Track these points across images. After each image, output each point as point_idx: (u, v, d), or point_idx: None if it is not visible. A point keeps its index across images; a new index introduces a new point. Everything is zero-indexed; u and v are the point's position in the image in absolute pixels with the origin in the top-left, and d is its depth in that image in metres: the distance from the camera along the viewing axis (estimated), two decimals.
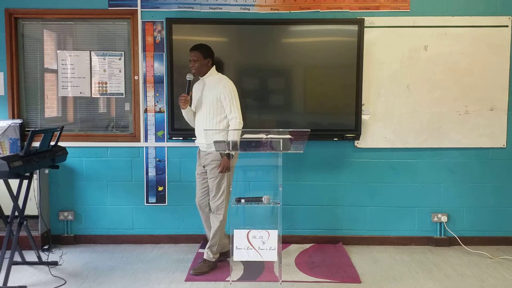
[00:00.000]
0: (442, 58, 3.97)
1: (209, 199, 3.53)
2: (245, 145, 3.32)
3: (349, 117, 3.93)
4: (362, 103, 3.94)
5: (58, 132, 3.46)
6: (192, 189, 4.02)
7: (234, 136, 3.30)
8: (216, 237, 3.48)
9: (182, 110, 3.50)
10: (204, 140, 3.37)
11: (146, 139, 4.06)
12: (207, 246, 3.53)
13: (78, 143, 4.06)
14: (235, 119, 3.38)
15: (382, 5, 3.96)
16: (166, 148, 4.07)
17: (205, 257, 3.52)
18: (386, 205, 4.11)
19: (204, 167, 3.51)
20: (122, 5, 3.97)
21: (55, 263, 3.61)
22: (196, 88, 3.53)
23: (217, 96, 3.38)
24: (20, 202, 3.37)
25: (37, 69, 4.09)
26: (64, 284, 3.27)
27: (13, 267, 3.29)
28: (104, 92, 4.09)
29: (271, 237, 3.27)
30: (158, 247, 4.06)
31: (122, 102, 4.11)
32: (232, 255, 3.28)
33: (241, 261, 3.50)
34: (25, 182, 3.35)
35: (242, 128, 3.39)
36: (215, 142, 3.33)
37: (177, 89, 3.88)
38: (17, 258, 3.46)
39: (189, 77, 3.44)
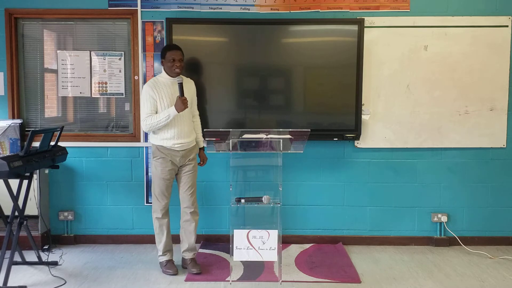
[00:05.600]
0: (442, 58, 3.97)
1: (179, 196, 3.53)
2: (245, 145, 3.33)
3: (349, 117, 3.93)
4: (362, 103, 3.94)
5: (58, 132, 3.46)
6: None
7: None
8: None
9: (175, 114, 3.27)
10: (189, 138, 3.44)
11: (146, 139, 4.06)
12: (191, 248, 3.51)
13: (78, 143, 4.06)
14: (198, 116, 3.63)
15: (382, 5, 3.96)
16: None
17: (194, 257, 3.54)
18: (386, 205, 4.12)
19: (182, 166, 3.45)
20: (122, 5, 3.97)
21: (55, 263, 3.61)
22: (167, 89, 3.35)
23: (192, 96, 3.48)
24: (20, 202, 3.37)
25: (37, 69, 4.09)
26: (64, 284, 3.27)
27: (13, 267, 3.29)
28: (104, 92, 4.09)
29: (271, 237, 3.27)
30: None
31: (122, 102, 4.11)
32: (232, 255, 3.29)
33: (241, 261, 3.50)
34: (25, 182, 3.35)
35: (242, 128, 3.46)
36: (216, 142, 3.34)
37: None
38: (17, 258, 3.46)
39: (179, 79, 3.31)
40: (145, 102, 3.34)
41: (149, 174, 4.08)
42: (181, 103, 3.26)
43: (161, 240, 3.48)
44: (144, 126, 3.36)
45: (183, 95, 3.30)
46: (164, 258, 3.50)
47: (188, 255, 3.51)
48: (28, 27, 4.06)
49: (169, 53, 3.34)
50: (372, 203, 4.12)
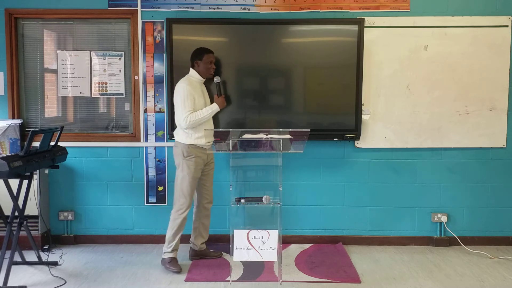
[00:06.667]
0: (442, 58, 3.97)
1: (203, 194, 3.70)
2: (245, 145, 3.33)
3: (349, 117, 3.93)
4: (362, 103, 3.94)
5: (58, 132, 3.46)
6: None
7: None
8: None
9: (217, 111, 3.54)
10: (213, 137, 3.55)
11: (146, 139, 4.06)
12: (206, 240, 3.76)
13: (78, 143, 4.06)
14: None
15: (382, 5, 3.96)
16: (166, 148, 4.07)
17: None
18: (386, 205, 4.12)
19: (206, 164, 3.62)
20: (122, 5, 3.97)
21: (55, 263, 3.61)
22: (201, 90, 3.53)
23: None
24: (20, 202, 3.37)
25: (37, 69, 4.09)
26: (64, 284, 3.27)
27: (13, 267, 3.29)
28: (104, 92, 4.09)
29: (271, 237, 3.27)
30: (158, 247, 4.05)
31: (122, 102, 4.12)
32: (232, 255, 3.29)
33: (241, 261, 3.50)
34: (25, 182, 3.35)
35: (242, 128, 3.54)
36: (216, 142, 3.37)
37: None
38: (17, 258, 3.46)
39: (217, 79, 3.62)
40: (186, 99, 3.39)
41: (149, 174, 4.08)
42: (224, 101, 3.59)
43: (176, 238, 3.52)
44: (187, 122, 3.38)
45: (222, 94, 3.60)
46: (171, 255, 3.51)
47: (205, 245, 3.75)
48: (28, 27, 4.06)
49: (207, 55, 3.50)
50: (372, 203, 4.12)
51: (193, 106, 3.41)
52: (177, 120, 3.45)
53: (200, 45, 3.80)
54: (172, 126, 3.91)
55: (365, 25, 3.86)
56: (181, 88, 3.42)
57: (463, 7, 3.95)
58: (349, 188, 4.11)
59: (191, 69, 3.55)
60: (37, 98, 4.11)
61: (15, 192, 3.33)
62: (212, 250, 3.78)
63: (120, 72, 4.06)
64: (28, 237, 3.58)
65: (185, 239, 3.94)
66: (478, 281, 3.36)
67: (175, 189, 3.54)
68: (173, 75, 3.86)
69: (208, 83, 3.67)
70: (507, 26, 3.95)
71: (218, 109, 3.53)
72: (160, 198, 4.11)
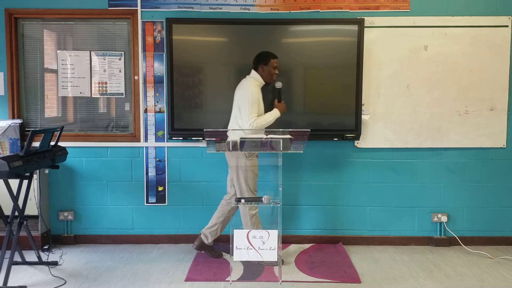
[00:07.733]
0: (442, 58, 3.97)
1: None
2: (245, 145, 3.33)
3: (349, 117, 3.93)
4: (362, 103, 3.94)
5: (58, 132, 3.47)
6: (192, 189, 4.03)
7: None
8: None
9: (276, 118, 3.53)
10: None
11: (146, 139, 4.06)
12: None
13: (78, 143, 4.06)
14: None
15: (382, 5, 3.96)
16: (166, 148, 4.07)
17: None
18: (386, 205, 4.12)
19: None
20: (122, 5, 3.97)
21: (55, 263, 3.61)
22: (260, 94, 3.54)
23: None
24: (20, 202, 3.37)
25: (37, 69, 4.09)
26: (64, 284, 3.27)
27: (13, 267, 3.30)
28: (104, 92, 4.09)
29: (271, 237, 3.26)
30: (158, 247, 4.06)
31: (122, 102, 4.12)
32: (232, 255, 3.29)
33: (241, 261, 3.50)
34: (25, 182, 3.35)
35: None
36: (216, 142, 3.37)
37: (177, 89, 3.89)
38: (17, 258, 3.46)
39: (279, 85, 3.63)
40: (254, 103, 3.43)
41: (149, 174, 4.08)
42: (284, 107, 3.61)
43: (260, 226, 3.54)
44: (253, 125, 3.41)
45: (281, 100, 3.62)
46: None
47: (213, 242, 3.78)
48: (28, 27, 4.06)
49: (273, 60, 3.53)
50: (372, 203, 4.12)
51: (258, 111, 3.45)
52: (241, 122, 3.45)
53: (200, 45, 3.81)
54: (172, 126, 3.91)
55: (365, 25, 3.86)
56: (251, 92, 3.44)
57: (463, 7, 3.95)
58: (349, 188, 4.11)
59: (254, 72, 3.56)
60: (37, 98, 4.11)
61: (15, 192, 3.33)
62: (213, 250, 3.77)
63: (120, 72, 4.06)
64: (28, 237, 3.58)
65: (189, 239, 3.95)
66: (478, 281, 3.36)
67: (241, 189, 3.52)
68: (173, 75, 3.87)
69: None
70: (507, 26, 3.95)
71: (279, 115, 3.54)
72: (160, 198, 4.11)
